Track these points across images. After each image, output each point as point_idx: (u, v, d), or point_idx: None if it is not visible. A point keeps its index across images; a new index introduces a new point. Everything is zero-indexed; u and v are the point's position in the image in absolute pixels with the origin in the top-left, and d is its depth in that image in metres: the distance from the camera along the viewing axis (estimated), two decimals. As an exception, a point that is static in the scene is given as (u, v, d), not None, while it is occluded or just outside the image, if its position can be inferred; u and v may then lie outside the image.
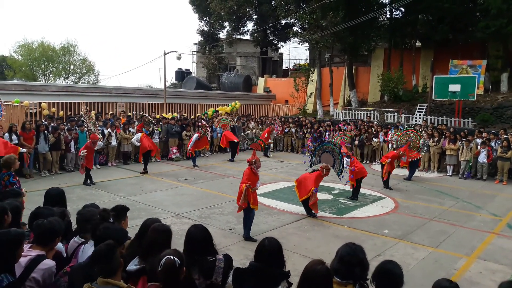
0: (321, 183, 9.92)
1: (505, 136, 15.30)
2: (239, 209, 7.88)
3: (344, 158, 11.13)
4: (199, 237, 3.43)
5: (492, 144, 15.08)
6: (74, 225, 4.27)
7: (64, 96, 18.69)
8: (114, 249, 2.96)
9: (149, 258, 3.19)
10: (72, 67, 48.95)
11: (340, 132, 15.36)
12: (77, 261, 3.64)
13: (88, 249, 3.65)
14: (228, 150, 18.32)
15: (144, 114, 20.77)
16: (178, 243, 6.78)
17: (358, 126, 19.04)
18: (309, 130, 19.86)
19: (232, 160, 17.33)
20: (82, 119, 16.44)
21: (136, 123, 16.69)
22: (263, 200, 10.77)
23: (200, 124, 17.84)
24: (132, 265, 3.26)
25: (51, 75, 47.45)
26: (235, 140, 17.64)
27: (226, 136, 17.66)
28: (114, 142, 15.39)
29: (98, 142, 12.46)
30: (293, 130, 20.72)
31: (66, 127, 14.18)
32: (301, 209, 9.93)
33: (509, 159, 14.29)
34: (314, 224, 9.14)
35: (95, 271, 2.94)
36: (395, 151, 13.61)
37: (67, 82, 44.09)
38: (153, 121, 17.43)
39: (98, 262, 2.91)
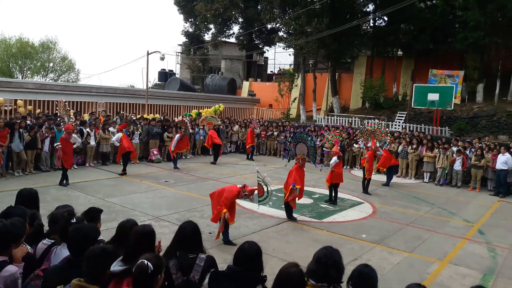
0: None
1: (479, 145, 15.77)
2: (218, 235, 7.79)
3: (334, 157, 11.34)
4: (189, 233, 3.53)
5: (467, 152, 15.50)
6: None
7: (41, 94, 18.36)
8: (108, 255, 2.92)
9: (134, 261, 3.17)
10: (51, 64, 48.13)
11: (337, 131, 15.68)
12: (49, 264, 3.53)
13: (61, 251, 3.55)
14: (211, 153, 18.28)
15: (124, 113, 20.58)
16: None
17: (347, 130, 19.22)
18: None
19: (215, 163, 17.31)
20: (57, 112, 16.26)
21: (119, 121, 16.52)
22: (244, 203, 10.80)
23: (179, 120, 17.74)
24: (116, 266, 3.24)
25: (29, 72, 46.53)
26: (219, 143, 17.61)
27: (211, 137, 17.60)
28: (92, 142, 15.17)
29: (74, 135, 12.16)
30: (275, 133, 20.82)
31: (44, 126, 13.89)
32: (282, 213, 10.01)
33: (482, 167, 14.71)
34: (294, 228, 9.22)
35: (71, 274, 2.92)
36: (369, 151, 13.80)
37: (45, 80, 43.28)
38: (136, 121, 17.31)
39: (90, 264, 2.85)
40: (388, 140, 17.03)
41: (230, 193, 7.73)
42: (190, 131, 18.16)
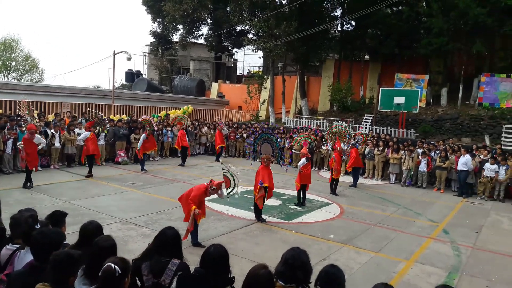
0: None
1: (443, 147, 16.29)
2: (186, 234, 7.64)
3: (303, 159, 11.45)
4: (168, 239, 3.53)
5: (432, 154, 15.99)
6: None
7: (3, 94, 17.68)
8: (73, 260, 2.85)
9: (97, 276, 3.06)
10: (13, 63, 46.44)
11: (306, 133, 15.88)
12: (13, 269, 3.46)
13: (24, 256, 3.48)
14: (179, 154, 18.07)
15: (100, 113, 20.12)
16: (123, 249, 6.62)
17: (316, 132, 19.45)
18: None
19: (183, 164, 17.14)
20: (18, 112, 15.72)
21: (84, 122, 16.07)
22: (213, 205, 10.76)
23: (143, 119, 17.44)
24: (81, 285, 3.10)
25: (-11, 71, 44.77)
26: (185, 145, 17.43)
27: (180, 138, 17.38)
28: (57, 144, 14.73)
29: (37, 136, 11.80)
30: (244, 135, 20.82)
31: (6, 127, 13.38)
32: (251, 215, 10.01)
33: (446, 168, 15.21)
34: (263, 229, 9.24)
35: (35, 279, 2.82)
36: (335, 152, 14.00)
37: (7, 79, 41.68)
38: (106, 121, 16.91)
39: (55, 270, 2.76)
40: (360, 139, 17.45)
41: (198, 190, 7.71)
42: (155, 128, 17.86)
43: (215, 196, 11.55)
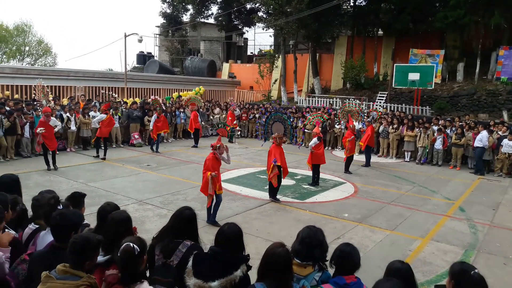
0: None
1: (459, 124, 16.06)
2: (209, 199, 7.84)
3: (314, 138, 11.43)
4: (184, 219, 3.55)
5: (448, 131, 15.77)
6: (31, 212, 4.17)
7: (19, 79, 17.89)
8: (92, 246, 2.91)
9: (115, 249, 3.17)
10: (27, 48, 46.78)
11: (319, 112, 15.79)
12: (35, 249, 3.56)
13: (45, 236, 3.58)
14: (192, 136, 18.16)
15: (114, 94, 20.25)
16: (141, 229, 6.74)
17: (329, 111, 19.32)
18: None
19: (196, 146, 17.25)
20: (34, 96, 15.92)
21: (98, 106, 16.19)
22: (228, 186, 10.84)
23: (152, 99, 17.48)
24: (99, 256, 3.23)
25: (4, 56, 45.16)
26: (197, 127, 17.48)
27: (193, 120, 17.41)
28: (73, 127, 14.93)
29: (53, 118, 12.00)
30: (257, 116, 20.77)
31: (22, 111, 13.60)
32: (265, 195, 10.07)
33: (463, 145, 15.01)
34: (277, 209, 9.31)
35: (55, 259, 2.90)
36: (348, 130, 13.93)
37: (22, 64, 42.09)
38: (120, 103, 17.03)
39: (73, 253, 2.84)
40: (375, 115, 17.27)
41: (207, 160, 7.93)
42: (163, 108, 17.89)
43: (229, 177, 11.74)
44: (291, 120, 10.89)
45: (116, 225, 3.33)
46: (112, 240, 3.14)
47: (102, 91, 20.45)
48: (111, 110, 15.34)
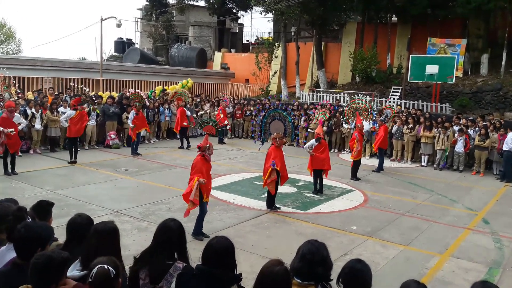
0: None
1: (483, 124, 16.06)
2: (193, 206, 7.74)
3: (312, 139, 11.46)
4: (175, 234, 3.47)
5: (470, 132, 15.80)
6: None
7: (-24, 68, 17.78)
8: (56, 265, 2.85)
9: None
10: (-16, 33, 46.56)
11: (322, 110, 15.77)
12: (-5, 267, 3.52)
13: (5, 253, 3.53)
14: (178, 136, 18.10)
15: (84, 87, 20.16)
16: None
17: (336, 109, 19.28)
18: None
19: (183, 147, 17.21)
20: None
21: (68, 100, 16.11)
22: (218, 194, 10.82)
23: (132, 93, 17.36)
24: (74, 271, 3.19)
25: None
26: (184, 124, 17.40)
27: (179, 119, 17.31)
28: (38, 125, 14.77)
29: (17, 114, 11.90)
30: (254, 113, 20.74)
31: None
32: (261, 204, 10.07)
33: (487, 148, 15.06)
34: (275, 220, 9.30)
35: (18, 279, 2.87)
36: (356, 130, 13.93)
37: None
38: (93, 99, 16.95)
39: (35, 275, 2.79)
40: (389, 114, 17.26)
41: (196, 163, 7.88)
42: (147, 103, 17.81)
43: (220, 183, 11.72)
44: (292, 116, 10.83)
45: (100, 236, 3.30)
46: (94, 254, 3.09)
47: (72, 84, 20.32)
48: (88, 106, 15.22)
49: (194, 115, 19.05)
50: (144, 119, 16.08)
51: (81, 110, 13.66)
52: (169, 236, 3.46)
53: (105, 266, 2.77)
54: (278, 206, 9.94)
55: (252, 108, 21.08)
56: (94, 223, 3.81)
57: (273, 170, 9.48)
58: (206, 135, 8.72)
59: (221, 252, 3.21)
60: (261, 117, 11.06)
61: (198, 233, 7.93)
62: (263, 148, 11.35)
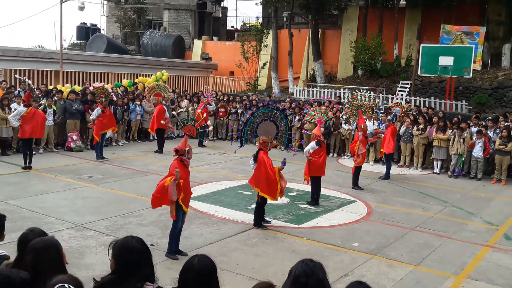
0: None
1: (505, 124, 16.11)
2: (173, 209, 7.69)
3: (312, 142, 11.43)
4: (140, 253, 3.39)
5: (490, 134, 15.89)
6: None
7: None
8: (15, 284, 2.86)
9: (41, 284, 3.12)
10: None
11: (324, 107, 15.71)
12: None
13: None
14: (152, 138, 17.98)
15: (26, 79, 19.92)
16: (79, 263, 6.67)
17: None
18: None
19: (161, 151, 17.05)
20: None
21: (22, 95, 15.94)
22: (198, 205, 10.80)
23: (97, 87, 17.21)
24: None
25: None
26: (162, 122, 17.28)
27: (156, 117, 17.16)
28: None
29: None
30: (239, 111, 20.73)
31: None
32: (248, 217, 10.06)
33: (509, 153, 15.17)
34: (264, 236, 9.29)
35: None
36: (358, 131, 13.99)
37: None
38: (40, 95, 16.77)
39: None
40: (398, 112, 17.29)
41: (172, 168, 7.81)
42: (114, 98, 17.64)
43: (200, 193, 11.69)
44: (289, 117, 10.78)
45: (36, 254, 3.24)
46: (32, 275, 3.07)
47: (16, 76, 20.09)
48: (42, 102, 15.08)
49: (169, 114, 18.83)
50: (112, 117, 15.95)
51: (34, 107, 13.52)
52: (136, 257, 3.36)
53: (66, 285, 2.76)
54: (269, 220, 9.90)
55: (237, 106, 21.06)
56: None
57: (282, 167, 9.44)
58: (185, 137, 8.67)
59: (204, 273, 3.21)
60: (247, 115, 10.96)
61: (173, 251, 7.88)
62: (241, 150, 11.30)
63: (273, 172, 9.37)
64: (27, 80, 19.44)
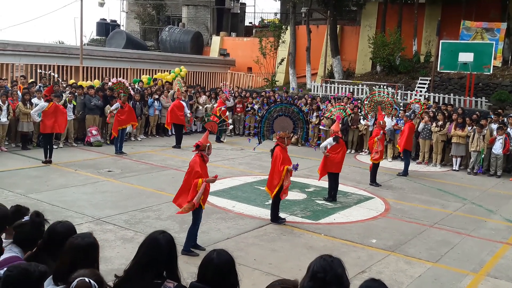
0: (292, 178, 9.98)
1: (525, 121, 15.98)
2: (191, 208, 7.69)
3: (330, 138, 11.38)
4: (163, 250, 3.40)
5: (510, 131, 15.72)
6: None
7: None
8: (33, 279, 2.88)
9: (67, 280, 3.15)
10: None
11: (342, 104, 15.65)
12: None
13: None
14: (171, 133, 18.03)
15: (53, 73, 20.16)
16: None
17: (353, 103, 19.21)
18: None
19: (179, 146, 17.12)
20: None
21: (42, 90, 16.08)
22: (216, 200, 10.81)
23: (115, 83, 17.28)
24: (50, 286, 3.20)
25: None
26: (181, 123, 17.34)
27: (173, 112, 17.17)
28: (3, 119, 14.75)
29: None
30: (256, 107, 20.73)
31: None
32: (266, 212, 10.05)
33: (530, 150, 15.01)
34: (281, 231, 9.27)
35: None
36: (376, 127, 13.89)
37: None
38: (65, 90, 16.94)
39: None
40: (417, 109, 17.16)
41: (194, 164, 7.81)
42: (132, 93, 17.68)
43: (218, 188, 11.70)
44: (305, 112, 10.73)
45: (75, 253, 3.29)
46: (69, 271, 3.10)
47: (40, 71, 20.26)
48: (62, 97, 15.21)
49: (188, 115, 18.77)
50: (132, 112, 16.00)
51: (55, 102, 13.61)
52: (158, 252, 3.39)
53: (86, 279, 2.81)
54: (283, 218, 9.86)
55: (254, 102, 21.04)
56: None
57: (288, 173, 9.38)
58: (206, 132, 8.59)
59: (223, 268, 3.21)
60: (263, 112, 10.96)
61: (189, 249, 7.85)
62: (260, 147, 11.26)
63: (281, 168, 9.34)
64: (52, 73, 19.66)
